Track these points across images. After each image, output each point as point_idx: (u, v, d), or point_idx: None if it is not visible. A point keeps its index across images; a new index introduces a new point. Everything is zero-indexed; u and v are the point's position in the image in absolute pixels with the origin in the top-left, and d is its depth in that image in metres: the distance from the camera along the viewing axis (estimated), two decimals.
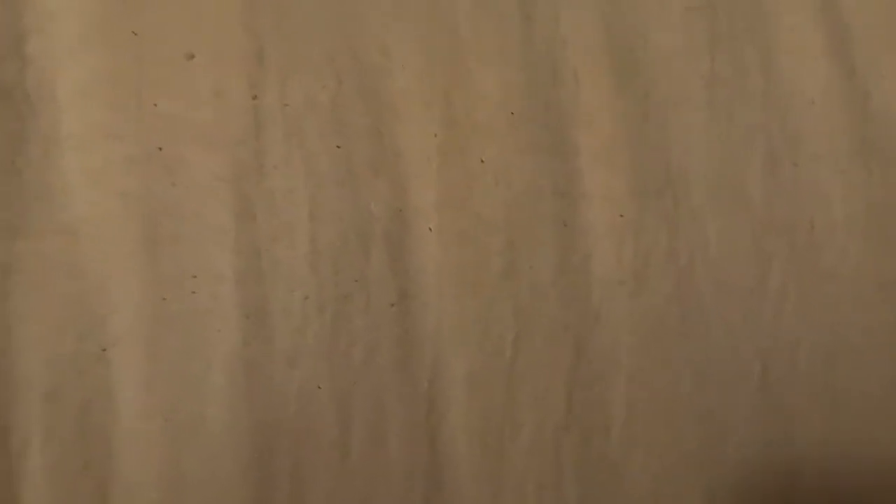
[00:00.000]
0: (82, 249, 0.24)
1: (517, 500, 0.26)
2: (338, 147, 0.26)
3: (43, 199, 0.24)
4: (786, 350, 0.29)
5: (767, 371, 0.29)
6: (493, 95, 0.28)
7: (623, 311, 0.28)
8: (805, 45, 0.31)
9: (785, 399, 0.29)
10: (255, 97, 0.26)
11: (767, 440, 0.29)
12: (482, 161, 0.27)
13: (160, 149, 0.25)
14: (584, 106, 0.29)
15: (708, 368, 0.28)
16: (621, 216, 0.28)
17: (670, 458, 0.28)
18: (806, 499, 0.29)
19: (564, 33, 0.29)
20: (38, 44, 0.24)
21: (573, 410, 0.27)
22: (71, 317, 0.24)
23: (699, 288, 0.29)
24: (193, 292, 0.25)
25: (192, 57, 0.25)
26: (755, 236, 0.29)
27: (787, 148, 0.30)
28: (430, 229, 0.27)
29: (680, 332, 0.28)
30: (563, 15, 0.29)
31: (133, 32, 0.25)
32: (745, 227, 0.29)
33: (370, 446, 0.25)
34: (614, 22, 0.29)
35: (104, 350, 0.24)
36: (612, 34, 0.29)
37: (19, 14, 0.24)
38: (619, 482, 0.27)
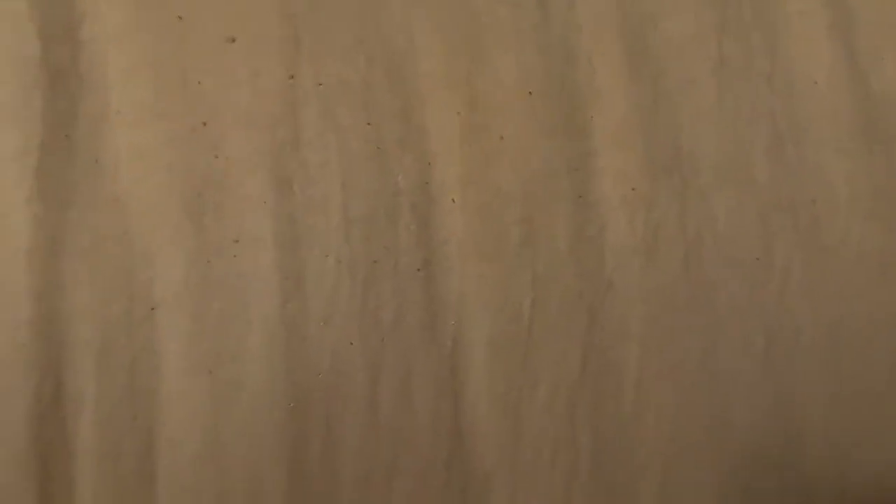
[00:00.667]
0: (131, 219, 0.26)
1: (534, 452, 0.28)
2: (368, 124, 0.28)
3: (93, 173, 0.26)
4: (790, 325, 0.30)
5: (771, 345, 0.30)
6: (512, 78, 0.29)
7: (635, 279, 0.29)
8: (810, 30, 0.32)
9: (788, 376, 0.30)
10: (291, 77, 0.27)
11: (773, 412, 0.30)
12: (502, 138, 0.29)
13: (204, 124, 0.27)
14: (597, 88, 0.30)
15: (715, 339, 0.29)
16: (633, 189, 0.30)
17: (680, 421, 0.29)
18: (812, 462, 0.30)
19: (579, 20, 0.30)
20: (90, 28, 0.26)
21: (587, 371, 0.29)
22: (120, 281, 0.25)
23: (707, 260, 0.30)
24: (235, 256, 0.26)
25: (232, 40, 0.27)
26: (761, 213, 0.30)
27: (792, 129, 0.31)
28: (454, 201, 0.28)
29: (688, 302, 0.29)
30: (577, 2, 0.30)
31: (178, 17, 0.27)
32: (751, 204, 0.30)
33: (398, 401, 0.27)
34: (627, 8, 0.31)
35: (152, 309, 0.26)
36: (624, 20, 0.31)
37: (73, 1, 0.26)
38: (632, 438, 0.29)
